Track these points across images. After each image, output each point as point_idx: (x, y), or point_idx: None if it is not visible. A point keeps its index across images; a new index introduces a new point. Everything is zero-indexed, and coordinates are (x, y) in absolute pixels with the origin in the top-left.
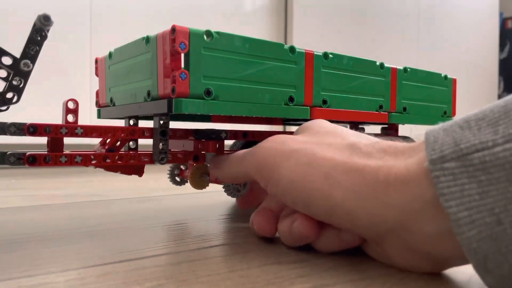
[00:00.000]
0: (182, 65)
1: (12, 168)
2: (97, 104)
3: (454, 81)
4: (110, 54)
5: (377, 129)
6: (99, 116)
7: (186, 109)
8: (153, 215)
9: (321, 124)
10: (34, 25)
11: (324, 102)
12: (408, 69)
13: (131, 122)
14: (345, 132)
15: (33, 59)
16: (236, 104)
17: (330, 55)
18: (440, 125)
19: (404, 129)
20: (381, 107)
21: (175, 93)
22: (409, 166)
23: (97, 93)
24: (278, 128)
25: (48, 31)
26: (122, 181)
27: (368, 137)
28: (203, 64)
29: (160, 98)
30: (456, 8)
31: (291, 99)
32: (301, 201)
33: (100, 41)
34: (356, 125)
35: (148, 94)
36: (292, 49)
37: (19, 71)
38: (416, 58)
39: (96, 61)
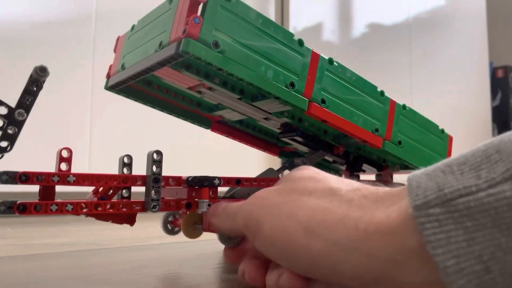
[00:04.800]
0: (199, 13)
1: (9, 217)
2: (108, 75)
3: (450, 138)
4: (132, 27)
5: (372, 177)
6: (106, 86)
7: (193, 50)
8: (149, 264)
9: (303, 172)
10: (31, 76)
11: (323, 101)
12: (407, 108)
13: None
14: (327, 177)
15: (28, 109)
16: (240, 66)
17: (335, 63)
18: (422, 170)
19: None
20: (377, 130)
21: (186, 33)
22: (390, 215)
23: (110, 67)
24: (274, 162)
25: (43, 82)
26: (118, 230)
27: (350, 182)
28: (217, 18)
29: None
30: (447, 58)
31: (292, 84)
32: (284, 257)
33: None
34: (351, 173)
35: (160, 44)
36: (300, 42)
37: (14, 120)
38: (409, 104)
39: (118, 39)
